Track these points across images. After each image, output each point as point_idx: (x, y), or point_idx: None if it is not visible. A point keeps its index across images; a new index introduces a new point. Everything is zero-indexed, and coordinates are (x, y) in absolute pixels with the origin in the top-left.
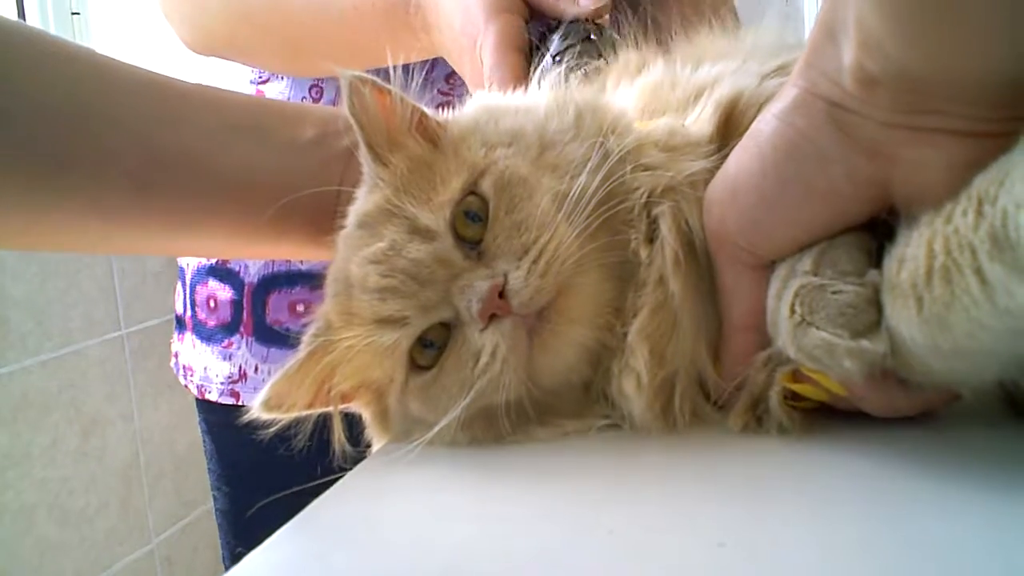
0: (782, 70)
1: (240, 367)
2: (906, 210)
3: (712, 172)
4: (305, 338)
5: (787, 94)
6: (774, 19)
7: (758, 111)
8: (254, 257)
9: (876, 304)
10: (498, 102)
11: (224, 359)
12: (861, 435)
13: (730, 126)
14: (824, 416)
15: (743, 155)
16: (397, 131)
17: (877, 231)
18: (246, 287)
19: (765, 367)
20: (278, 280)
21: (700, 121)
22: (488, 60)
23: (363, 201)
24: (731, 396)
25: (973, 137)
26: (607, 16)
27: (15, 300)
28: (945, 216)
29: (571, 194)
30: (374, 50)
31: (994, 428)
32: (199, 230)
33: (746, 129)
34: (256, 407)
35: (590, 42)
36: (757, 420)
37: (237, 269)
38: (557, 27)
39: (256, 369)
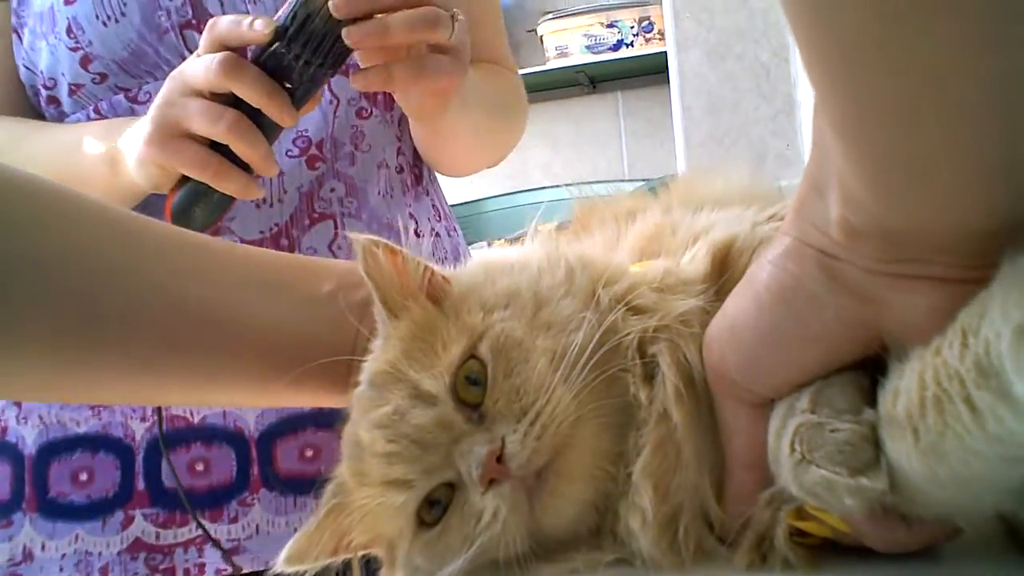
0: (774, 218)
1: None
2: (896, 349)
3: (705, 310)
4: (323, 495)
5: (780, 242)
6: (773, 162)
7: (751, 254)
8: (272, 406)
9: (872, 441)
10: (496, 257)
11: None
12: (866, 569)
13: (725, 267)
14: (829, 551)
15: (740, 298)
16: (407, 291)
17: (870, 369)
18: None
19: (769, 505)
20: (282, 427)
21: (695, 261)
22: None
23: (375, 358)
24: (737, 533)
25: (953, 283)
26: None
27: None
28: (934, 349)
29: (567, 354)
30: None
31: (996, 561)
32: (222, 381)
33: (741, 271)
34: (280, 563)
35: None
36: (762, 557)
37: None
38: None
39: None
